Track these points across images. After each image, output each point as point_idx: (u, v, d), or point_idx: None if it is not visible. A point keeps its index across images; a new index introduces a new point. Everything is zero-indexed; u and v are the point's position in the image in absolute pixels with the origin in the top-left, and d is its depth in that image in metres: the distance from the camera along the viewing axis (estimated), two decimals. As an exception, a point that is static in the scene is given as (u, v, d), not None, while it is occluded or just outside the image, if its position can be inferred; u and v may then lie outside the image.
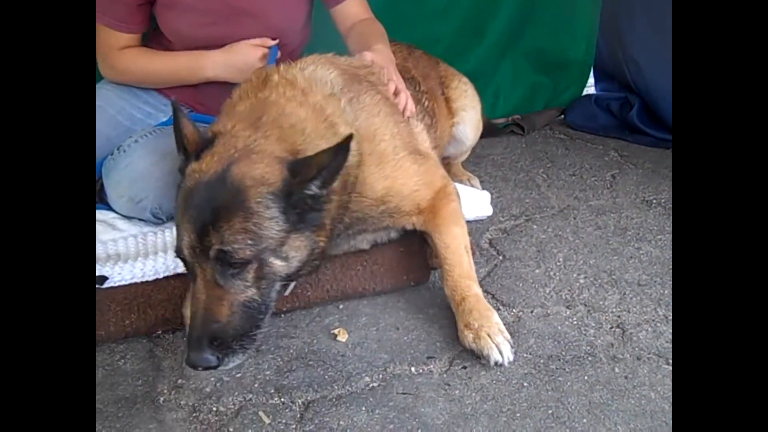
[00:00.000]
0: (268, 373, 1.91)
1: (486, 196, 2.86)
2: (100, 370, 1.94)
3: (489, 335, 1.92)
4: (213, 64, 2.57)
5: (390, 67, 2.38)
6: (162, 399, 1.83)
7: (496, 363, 1.89)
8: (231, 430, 1.71)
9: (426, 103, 2.69)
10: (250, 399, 1.82)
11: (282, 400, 1.81)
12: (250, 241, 1.70)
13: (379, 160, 2.10)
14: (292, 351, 1.99)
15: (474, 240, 2.51)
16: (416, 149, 2.27)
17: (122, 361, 1.99)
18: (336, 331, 2.06)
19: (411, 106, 2.36)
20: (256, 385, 1.86)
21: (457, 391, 1.81)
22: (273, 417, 1.75)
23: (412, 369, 1.91)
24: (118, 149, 2.56)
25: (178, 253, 1.78)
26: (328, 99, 2.04)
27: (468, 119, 3.10)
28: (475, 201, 2.80)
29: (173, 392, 1.85)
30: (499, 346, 1.90)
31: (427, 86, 2.82)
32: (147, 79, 2.70)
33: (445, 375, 1.88)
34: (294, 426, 1.72)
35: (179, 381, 1.89)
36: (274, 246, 1.74)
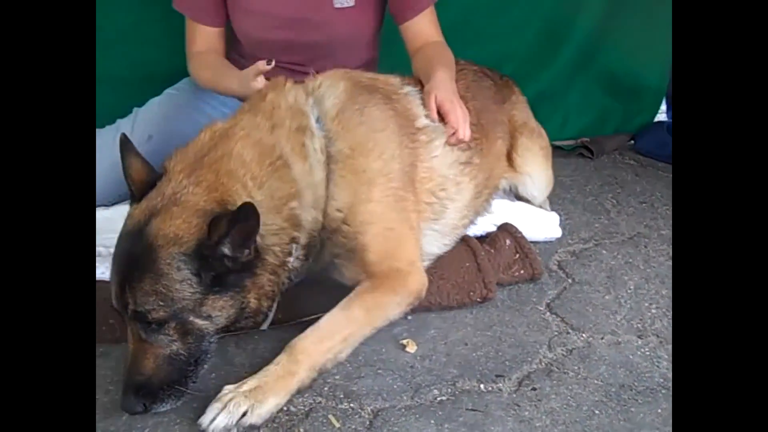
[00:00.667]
0: (337, 377, 1.92)
1: (555, 217, 2.84)
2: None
3: (231, 401, 1.69)
4: (230, 83, 2.46)
5: (448, 100, 2.29)
6: (234, 394, 1.86)
7: (199, 425, 1.68)
8: (302, 430, 1.73)
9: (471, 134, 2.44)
10: (320, 402, 1.83)
11: (351, 405, 1.82)
12: (161, 302, 1.65)
13: (371, 179, 2.02)
14: (360, 358, 2.00)
15: (543, 261, 2.50)
16: (407, 194, 2.12)
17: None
18: (404, 342, 2.07)
19: (466, 130, 2.26)
20: (326, 389, 1.88)
21: (526, 413, 1.80)
22: (342, 422, 1.76)
23: (481, 386, 1.90)
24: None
25: (110, 301, 1.75)
26: (293, 133, 1.94)
27: (534, 183, 2.83)
28: (544, 222, 2.78)
29: (244, 388, 1.88)
30: (219, 413, 1.67)
31: (480, 119, 2.56)
32: (210, 88, 2.69)
33: (514, 395, 1.87)
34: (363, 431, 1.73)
35: (251, 378, 1.92)
36: (191, 306, 1.68)
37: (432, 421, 1.76)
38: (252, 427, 1.70)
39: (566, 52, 3.92)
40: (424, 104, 2.32)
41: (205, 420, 1.68)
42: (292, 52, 2.65)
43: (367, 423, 1.76)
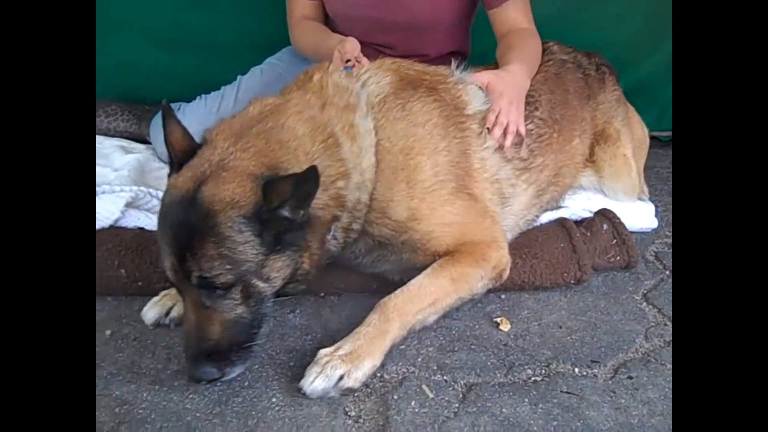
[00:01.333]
0: (431, 349, 1.93)
1: (651, 208, 2.77)
2: (271, 320, 2.02)
3: (328, 365, 1.73)
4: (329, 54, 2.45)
5: (506, 96, 2.21)
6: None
7: (299, 389, 1.72)
8: (395, 397, 1.75)
9: (534, 129, 2.38)
10: (413, 372, 1.85)
11: (444, 378, 1.83)
12: (228, 266, 1.65)
13: (409, 177, 1.97)
14: (454, 332, 2.01)
15: (639, 251, 2.45)
16: (465, 183, 2.07)
17: (291, 315, 2.07)
18: (498, 320, 2.06)
19: (507, 141, 2.20)
20: (419, 360, 1.89)
21: (622, 400, 1.77)
22: (435, 393, 1.77)
23: (576, 370, 1.88)
24: None
25: (164, 273, 1.74)
26: (341, 113, 1.93)
27: (614, 190, 2.69)
28: (639, 212, 2.72)
29: (339, 353, 1.91)
30: (317, 377, 1.71)
31: (553, 114, 2.47)
32: (310, 54, 2.71)
33: (610, 382, 1.84)
34: (456, 405, 1.74)
35: (345, 343, 1.95)
36: (254, 268, 1.68)
37: (526, 400, 1.75)
38: (349, 390, 1.73)
39: (668, 43, 3.80)
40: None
41: (305, 383, 1.70)
42: (377, 32, 2.65)
43: (461, 396, 1.77)
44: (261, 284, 1.72)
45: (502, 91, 2.22)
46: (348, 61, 2.19)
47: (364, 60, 2.20)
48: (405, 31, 2.62)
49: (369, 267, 2.12)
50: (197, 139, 1.85)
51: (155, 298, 2.00)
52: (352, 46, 2.25)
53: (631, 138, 2.78)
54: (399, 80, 2.10)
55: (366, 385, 1.78)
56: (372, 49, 2.57)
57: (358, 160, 1.90)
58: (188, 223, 1.65)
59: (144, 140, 3.08)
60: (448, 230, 2.00)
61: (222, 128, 1.84)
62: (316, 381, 1.70)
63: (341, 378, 1.72)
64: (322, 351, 1.78)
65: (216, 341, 1.69)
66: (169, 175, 1.82)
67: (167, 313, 1.98)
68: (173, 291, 1.97)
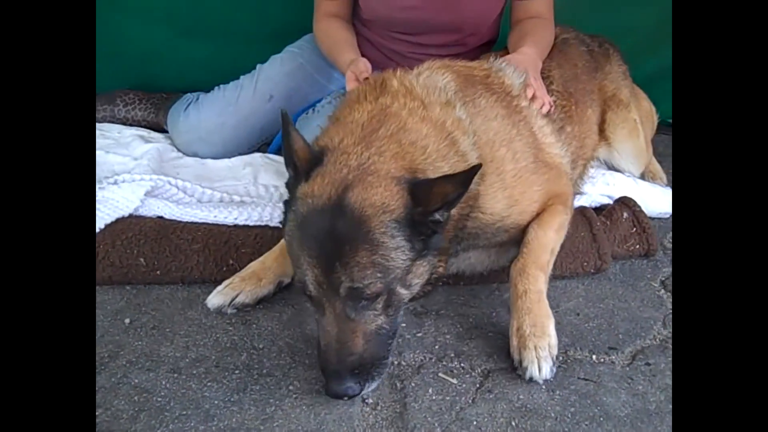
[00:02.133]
0: (448, 337, 1.93)
1: (668, 193, 2.75)
2: (288, 308, 2.04)
3: (536, 347, 1.77)
4: (340, 65, 2.50)
5: (530, 72, 2.28)
6: (347, 344, 1.90)
7: (530, 378, 1.75)
8: (413, 385, 1.76)
9: (556, 101, 2.40)
10: (431, 359, 1.85)
11: (462, 365, 1.84)
12: (379, 275, 1.60)
13: (498, 168, 1.97)
14: (471, 320, 2.01)
15: (658, 238, 2.43)
16: (539, 157, 2.12)
17: (309, 303, 2.07)
18: (516, 307, 2.06)
19: (546, 108, 2.26)
20: (437, 347, 1.89)
21: (640, 387, 1.77)
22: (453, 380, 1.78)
23: (593, 357, 1.88)
24: (313, 109, 2.67)
25: (303, 288, 1.68)
26: (446, 109, 1.90)
27: (622, 156, 2.77)
28: (657, 197, 2.68)
29: (357, 340, 1.92)
30: (540, 361, 1.75)
31: (568, 88, 2.51)
32: (324, 54, 2.73)
33: (627, 368, 1.84)
34: (473, 391, 1.74)
35: (362, 330, 1.95)
36: (401, 275, 1.65)
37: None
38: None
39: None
40: None
41: (534, 374, 1.76)
42: (417, 31, 2.64)
43: (478, 383, 1.77)
44: (403, 291, 1.69)
45: (525, 68, 2.27)
46: (366, 79, 2.18)
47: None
48: (451, 31, 2.63)
49: (457, 263, 2.11)
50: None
51: (219, 288, 2.02)
52: (365, 66, 2.26)
53: (639, 108, 2.85)
54: (456, 77, 2.07)
55: (384, 372, 1.78)
56: (409, 45, 2.63)
57: (473, 154, 1.88)
58: (337, 231, 1.59)
59: (162, 129, 3.10)
60: (536, 205, 2.07)
61: (342, 135, 1.77)
62: (542, 366, 1.76)
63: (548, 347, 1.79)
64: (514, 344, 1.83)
65: (359, 355, 1.64)
66: (288, 185, 1.78)
67: (231, 302, 2.00)
68: (236, 281, 2.03)
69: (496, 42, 2.84)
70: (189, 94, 3.04)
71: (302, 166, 1.72)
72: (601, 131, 2.72)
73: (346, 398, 1.66)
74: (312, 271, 1.62)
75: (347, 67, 2.31)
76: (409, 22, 2.61)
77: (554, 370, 1.77)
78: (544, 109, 2.24)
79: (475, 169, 1.61)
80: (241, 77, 2.90)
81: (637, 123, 2.78)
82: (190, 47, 3.28)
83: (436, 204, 1.62)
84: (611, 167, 2.81)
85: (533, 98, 2.22)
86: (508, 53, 2.43)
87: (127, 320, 1.98)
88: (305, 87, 2.76)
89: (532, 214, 2.06)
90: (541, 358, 1.75)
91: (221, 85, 2.91)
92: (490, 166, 1.93)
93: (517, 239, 2.04)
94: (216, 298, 1.99)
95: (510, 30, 2.58)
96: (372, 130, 1.76)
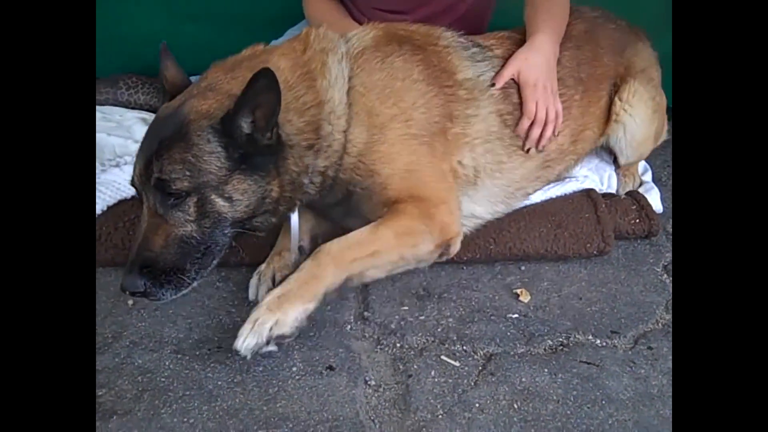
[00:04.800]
0: (450, 320, 1.93)
1: (656, 192, 2.65)
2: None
3: (257, 321, 1.68)
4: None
5: (539, 83, 2.17)
6: (349, 327, 1.91)
7: (235, 350, 1.66)
8: (415, 367, 1.76)
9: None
10: (433, 341, 1.86)
11: (464, 348, 1.84)
12: (188, 172, 1.66)
13: (383, 123, 1.95)
14: (473, 303, 2.01)
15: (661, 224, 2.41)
16: (437, 142, 2.02)
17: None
18: (518, 291, 2.06)
19: (542, 141, 2.20)
20: (439, 330, 1.89)
21: (642, 370, 1.77)
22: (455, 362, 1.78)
23: (596, 341, 1.88)
24: None
25: (131, 181, 1.78)
26: (318, 54, 1.95)
27: (628, 133, 2.48)
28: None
29: (359, 323, 1.92)
30: (248, 336, 1.67)
31: (579, 73, 2.37)
32: None
33: (629, 352, 1.84)
34: (476, 374, 1.75)
35: (365, 313, 1.96)
36: (215, 182, 1.68)
37: (546, 370, 1.76)
38: (282, 337, 1.68)
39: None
40: (500, 70, 2.20)
41: (237, 343, 1.66)
42: (398, 6, 2.60)
43: (480, 366, 1.77)
44: (221, 202, 1.70)
45: (534, 81, 2.17)
46: None
47: None
48: (428, 0, 2.59)
49: (340, 219, 2.08)
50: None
51: (254, 281, 2.01)
52: None
53: (663, 102, 2.60)
54: (384, 36, 2.10)
55: (385, 353, 1.79)
56: (387, 21, 2.55)
57: (329, 95, 1.90)
58: (164, 131, 1.71)
59: None
60: (405, 177, 1.94)
61: (215, 66, 1.92)
62: (248, 339, 1.66)
63: (271, 329, 1.68)
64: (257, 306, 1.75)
65: (155, 255, 1.67)
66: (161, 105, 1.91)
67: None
68: (263, 267, 2.03)
69: (491, 11, 2.78)
70: (193, 77, 3.02)
71: (170, 90, 1.92)
72: (609, 110, 2.50)
73: (128, 293, 1.70)
74: (138, 164, 1.73)
75: None
76: None
77: (265, 348, 1.68)
78: (541, 142, 2.20)
79: (262, 73, 1.62)
80: None
81: (658, 109, 2.53)
82: (191, 32, 3.25)
83: (233, 110, 1.67)
84: (607, 149, 2.60)
85: (531, 125, 2.18)
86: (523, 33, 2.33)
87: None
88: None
89: (395, 187, 1.93)
90: (251, 333, 1.67)
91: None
92: (375, 119, 1.94)
93: (374, 213, 1.95)
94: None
95: (525, 3, 2.42)
96: (241, 61, 1.90)
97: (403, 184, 1.93)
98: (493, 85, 2.18)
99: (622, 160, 2.57)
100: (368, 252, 1.82)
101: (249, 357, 1.66)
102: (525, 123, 2.19)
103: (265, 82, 1.63)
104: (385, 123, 1.95)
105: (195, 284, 1.73)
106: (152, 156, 1.67)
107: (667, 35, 3.52)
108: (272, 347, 1.69)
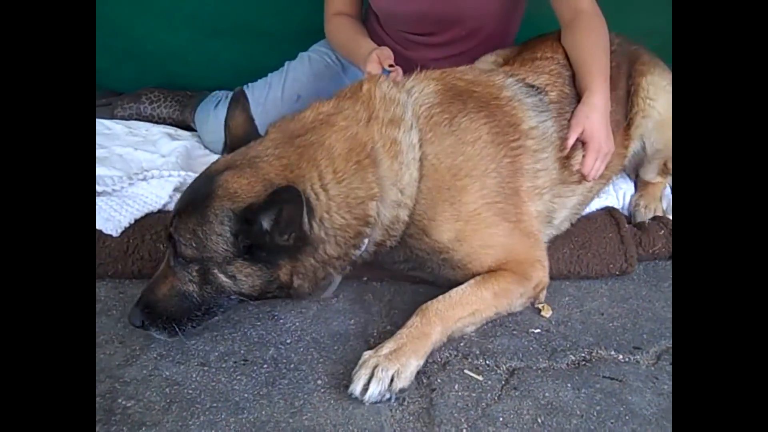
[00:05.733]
0: (473, 335, 1.94)
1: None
2: (314, 305, 2.06)
3: (377, 367, 1.69)
4: (356, 58, 2.49)
5: (602, 135, 2.18)
6: (372, 340, 1.92)
7: (351, 394, 1.68)
8: (439, 381, 1.77)
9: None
10: (456, 355, 1.87)
11: (487, 362, 1.85)
12: (194, 244, 1.72)
13: (454, 198, 1.93)
14: (496, 318, 2.02)
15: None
16: (512, 203, 2.01)
17: (335, 299, 2.10)
18: (540, 306, 2.07)
19: (597, 173, 2.20)
20: (461, 344, 1.91)
21: (665, 386, 1.78)
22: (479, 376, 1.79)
23: (619, 356, 1.89)
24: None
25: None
26: (386, 127, 1.89)
27: (658, 123, 2.48)
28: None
29: (382, 336, 1.93)
30: (371, 381, 1.67)
31: (612, 119, 2.33)
32: (340, 52, 2.75)
33: (652, 368, 1.85)
34: (499, 388, 1.75)
35: (388, 327, 1.98)
36: (218, 260, 1.73)
37: (569, 385, 1.77)
38: (402, 391, 1.71)
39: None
40: (569, 128, 2.19)
41: (357, 388, 1.67)
42: (422, 24, 2.63)
43: (503, 380, 1.78)
44: (223, 278, 1.76)
45: (598, 138, 2.19)
46: (391, 66, 2.22)
47: (399, 68, 2.22)
48: (452, 23, 2.60)
49: (405, 271, 2.11)
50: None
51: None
52: (390, 52, 2.28)
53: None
54: (444, 89, 2.04)
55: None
56: (421, 45, 2.62)
57: (398, 177, 1.88)
58: (196, 193, 1.77)
59: (187, 127, 3.13)
60: (490, 252, 1.97)
61: (278, 128, 1.89)
62: (371, 386, 1.67)
63: (392, 379, 1.69)
64: (366, 353, 1.75)
65: (157, 300, 1.78)
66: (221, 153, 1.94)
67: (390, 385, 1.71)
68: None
69: (515, 35, 2.80)
70: (217, 92, 3.06)
71: (231, 142, 1.91)
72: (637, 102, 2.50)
73: (129, 323, 1.81)
74: (173, 212, 1.80)
75: (370, 52, 2.31)
76: (408, 16, 2.59)
77: (387, 397, 1.68)
78: (590, 177, 2.20)
79: (283, 190, 1.64)
80: (269, 75, 2.93)
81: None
82: (215, 47, 3.30)
83: (253, 207, 1.68)
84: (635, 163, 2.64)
85: (590, 170, 2.18)
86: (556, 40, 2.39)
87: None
88: (333, 87, 2.75)
89: (483, 261, 1.97)
90: (374, 381, 1.67)
91: (250, 84, 2.93)
92: (445, 194, 1.92)
93: (462, 280, 1.98)
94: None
95: (562, 30, 2.45)
96: (297, 135, 1.85)
97: (488, 259, 1.97)
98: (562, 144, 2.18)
99: (650, 150, 2.54)
100: (470, 312, 1.90)
101: (370, 402, 1.67)
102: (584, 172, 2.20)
103: (287, 197, 1.65)
104: (456, 197, 1.93)
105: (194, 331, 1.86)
106: (179, 212, 1.76)
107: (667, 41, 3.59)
108: (389, 396, 1.69)
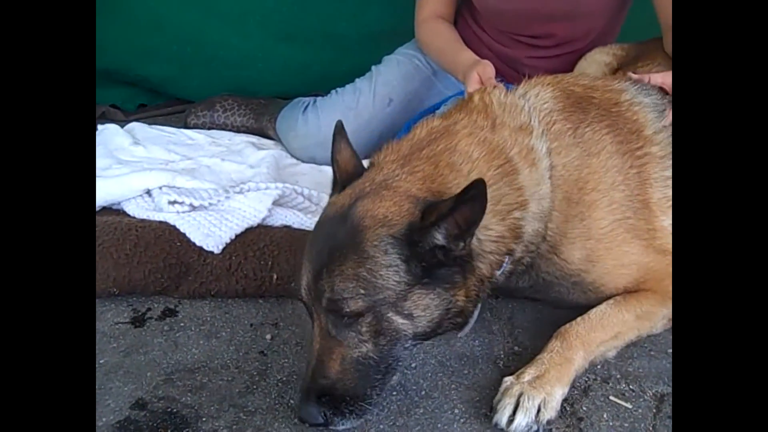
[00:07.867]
0: (609, 354, 1.81)
1: None
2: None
3: (522, 395, 1.57)
4: (455, 68, 2.34)
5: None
6: (501, 363, 1.81)
7: (495, 424, 1.56)
8: (584, 408, 1.65)
9: None
10: (595, 379, 1.75)
11: (630, 387, 1.72)
12: (362, 290, 1.46)
13: (584, 214, 1.79)
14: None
15: None
16: (645, 218, 1.85)
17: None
18: (674, 324, 1.93)
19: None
20: (599, 367, 1.78)
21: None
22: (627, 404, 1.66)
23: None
24: (433, 115, 2.58)
25: (299, 294, 1.59)
26: (517, 133, 1.75)
27: None
28: None
29: (510, 357, 1.83)
30: (517, 411, 1.55)
31: None
32: (433, 57, 2.63)
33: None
34: (651, 416, 1.63)
35: (515, 348, 1.86)
36: (393, 298, 1.48)
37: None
38: (549, 422, 1.57)
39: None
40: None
41: (502, 418, 1.55)
42: (532, 23, 2.50)
43: (654, 407, 1.65)
44: (399, 320, 1.51)
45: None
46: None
47: (501, 86, 2.02)
48: (563, 21, 2.47)
49: (525, 293, 1.98)
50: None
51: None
52: (492, 69, 2.10)
53: None
54: (563, 96, 1.90)
55: (548, 394, 1.68)
56: (523, 43, 2.50)
57: (538, 188, 1.73)
58: (333, 238, 1.52)
59: (263, 135, 3.03)
60: (625, 272, 1.83)
61: (390, 151, 1.73)
62: (518, 416, 1.54)
63: (539, 409, 1.56)
64: (506, 379, 1.64)
65: (332, 382, 1.50)
66: (331, 195, 1.75)
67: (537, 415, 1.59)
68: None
69: (617, 31, 2.65)
70: (300, 98, 2.96)
71: (341, 178, 1.72)
72: None
73: (307, 425, 1.52)
74: (306, 276, 1.54)
75: (471, 67, 2.15)
76: (519, 13, 2.46)
77: (534, 429, 1.55)
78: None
79: (475, 186, 1.42)
80: (357, 80, 2.81)
81: None
82: (286, 52, 3.24)
83: (428, 220, 1.48)
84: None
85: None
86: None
87: (268, 336, 1.90)
88: (423, 90, 2.68)
89: (617, 283, 1.84)
90: (520, 411, 1.55)
91: (338, 89, 2.82)
92: (575, 208, 1.79)
93: (595, 302, 1.85)
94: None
95: (663, 36, 2.34)
96: (418, 149, 1.69)
97: (621, 281, 1.84)
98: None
99: None
100: (612, 335, 1.77)
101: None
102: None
103: (474, 193, 1.43)
104: (585, 213, 1.80)
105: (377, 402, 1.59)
106: (322, 269, 1.49)
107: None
108: (536, 428, 1.56)
